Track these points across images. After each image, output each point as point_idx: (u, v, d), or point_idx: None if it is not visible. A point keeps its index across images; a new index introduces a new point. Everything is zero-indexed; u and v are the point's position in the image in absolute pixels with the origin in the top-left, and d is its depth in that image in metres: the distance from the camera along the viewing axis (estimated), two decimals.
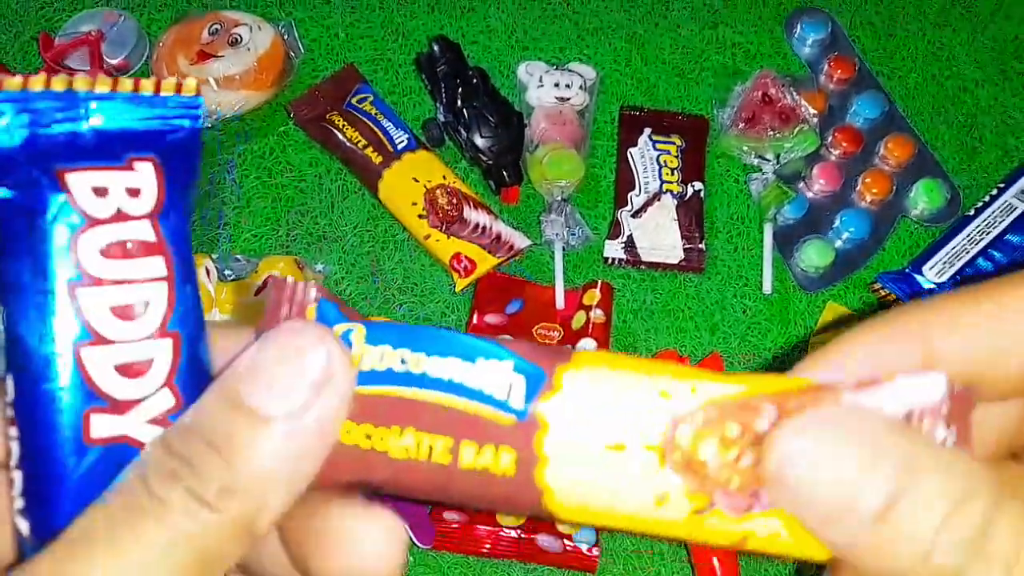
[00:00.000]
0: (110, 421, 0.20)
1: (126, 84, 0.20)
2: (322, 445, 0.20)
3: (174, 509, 0.19)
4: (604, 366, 0.22)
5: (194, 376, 0.21)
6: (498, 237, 0.68)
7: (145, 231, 0.20)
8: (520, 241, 0.68)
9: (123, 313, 0.20)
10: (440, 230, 0.67)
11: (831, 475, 0.19)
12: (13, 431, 0.21)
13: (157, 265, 0.20)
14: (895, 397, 0.21)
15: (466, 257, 0.66)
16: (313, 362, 0.20)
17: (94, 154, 0.19)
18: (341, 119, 0.71)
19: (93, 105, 0.20)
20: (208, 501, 0.19)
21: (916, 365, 0.21)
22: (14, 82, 0.19)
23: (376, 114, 0.71)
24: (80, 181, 0.19)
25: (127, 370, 0.20)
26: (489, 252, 0.67)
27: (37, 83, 0.19)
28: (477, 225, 0.67)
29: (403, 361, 0.22)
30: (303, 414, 0.20)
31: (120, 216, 0.20)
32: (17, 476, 0.21)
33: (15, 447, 0.21)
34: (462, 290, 0.67)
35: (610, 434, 0.21)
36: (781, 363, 0.67)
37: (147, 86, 0.21)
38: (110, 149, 0.19)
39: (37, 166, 0.19)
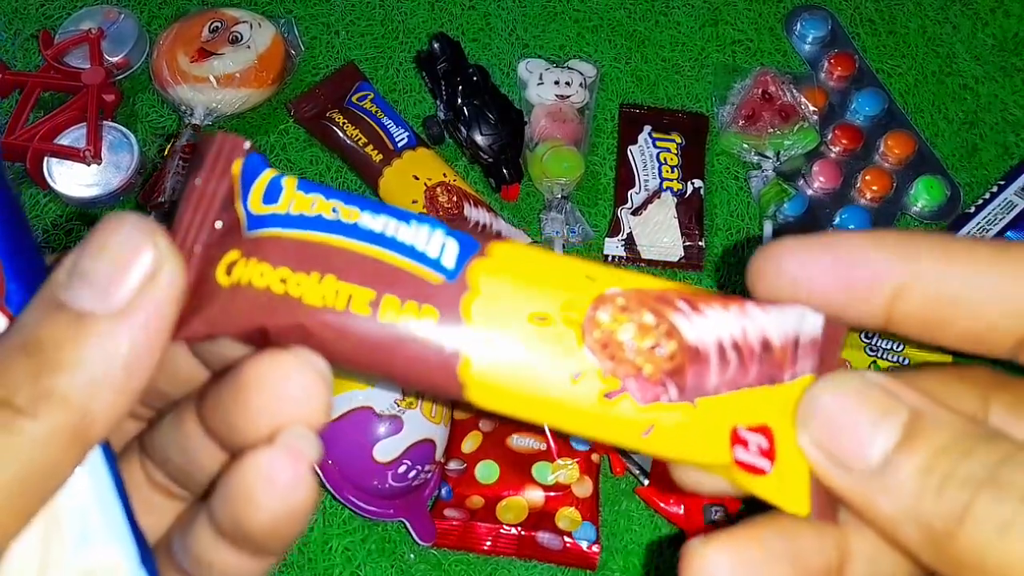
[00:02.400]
0: None
1: None
2: (150, 344, 0.19)
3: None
4: (533, 249, 0.22)
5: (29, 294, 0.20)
6: (498, 235, 0.67)
7: None
8: (520, 238, 0.68)
9: None
10: None
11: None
12: None
13: None
14: (780, 320, 0.22)
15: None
16: (135, 253, 0.19)
17: None
18: (341, 117, 0.71)
19: None
20: (20, 407, 0.17)
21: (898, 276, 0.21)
22: None
23: (376, 112, 0.71)
24: None
25: None
26: None
27: None
28: (477, 223, 0.67)
29: (334, 211, 0.22)
30: (128, 311, 0.19)
31: None
32: None
33: None
34: None
35: (535, 304, 0.21)
36: None
37: None
38: None
39: None
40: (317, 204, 0.22)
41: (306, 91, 0.73)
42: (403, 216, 0.22)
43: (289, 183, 0.22)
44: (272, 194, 0.22)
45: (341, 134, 0.70)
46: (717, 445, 0.22)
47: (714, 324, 0.22)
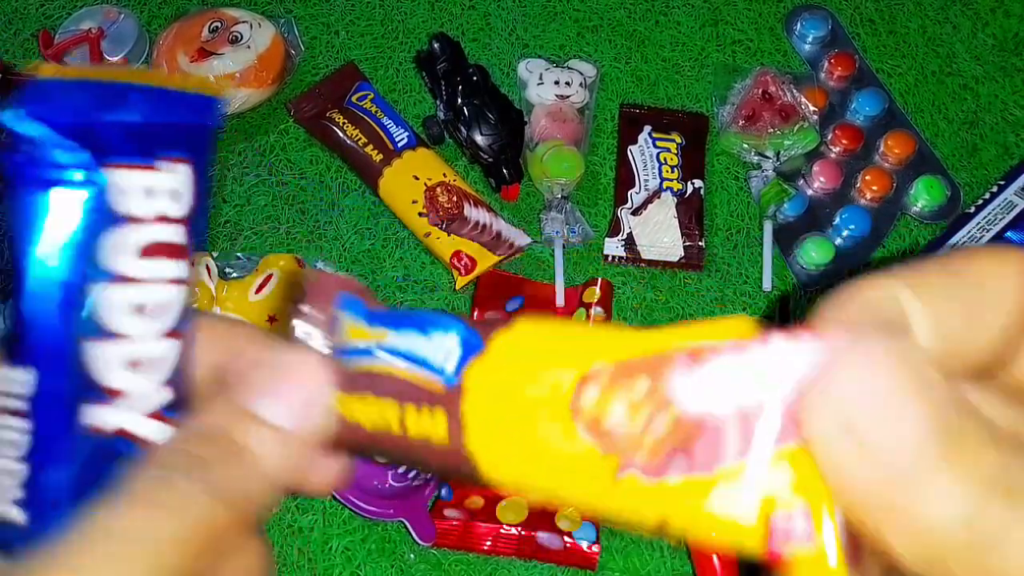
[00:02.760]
0: (112, 414, 0.21)
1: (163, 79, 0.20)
2: (306, 453, 0.23)
3: (191, 500, 0.20)
4: (537, 328, 0.22)
5: (186, 374, 0.22)
6: (498, 235, 0.68)
7: (179, 235, 0.20)
8: (520, 239, 0.68)
9: (141, 311, 0.20)
10: (440, 228, 0.67)
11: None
12: (22, 423, 0.20)
13: (182, 267, 0.20)
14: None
15: (466, 255, 0.66)
16: (317, 389, 0.23)
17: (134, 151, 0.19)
18: (341, 117, 0.71)
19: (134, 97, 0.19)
20: (221, 495, 0.20)
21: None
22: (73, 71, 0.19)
23: (376, 112, 0.71)
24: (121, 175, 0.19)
25: (136, 365, 0.20)
26: (489, 250, 0.67)
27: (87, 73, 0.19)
28: (477, 223, 0.67)
29: (371, 337, 0.24)
30: (298, 427, 0.22)
31: (160, 219, 0.19)
32: (23, 468, 0.21)
33: (24, 440, 0.20)
34: (462, 288, 0.67)
35: (531, 390, 0.21)
36: None
37: (173, 82, 0.20)
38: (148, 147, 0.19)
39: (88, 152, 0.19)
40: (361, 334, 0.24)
41: (306, 91, 0.73)
42: (424, 328, 0.23)
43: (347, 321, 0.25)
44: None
45: (341, 134, 0.70)
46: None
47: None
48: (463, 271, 0.66)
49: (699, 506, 0.19)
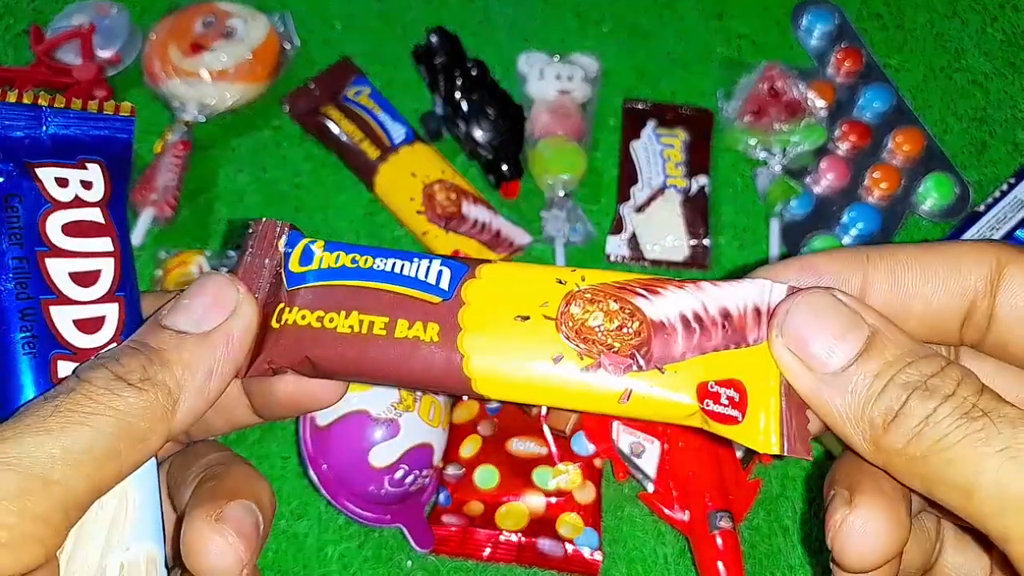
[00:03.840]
0: (72, 367, 0.25)
1: (77, 103, 0.26)
2: (227, 359, 0.26)
3: (98, 386, 0.23)
4: (513, 265, 0.29)
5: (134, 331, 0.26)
6: (498, 233, 0.67)
7: (98, 216, 0.25)
8: (521, 237, 0.67)
9: (81, 279, 0.25)
10: (439, 226, 0.66)
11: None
12: None
13: (106, 243, 0.25)
14: (736, 293, 0.27)
15: (465, 254, 0.65)
16: (223, 296, 0.26)
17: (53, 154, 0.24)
18: (337, 112, 0.70)
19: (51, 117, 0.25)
20: (131, 382, 0.23)
21: (855, 286, 0.26)
22: None
23: (373, 107, 0.70)
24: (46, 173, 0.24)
25: (84, 325, 0.25)
26: (489, 248, 0.66)
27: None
28: (476, 221, 0.66)
29: (354, 261, 0.29)
30: (214, 335, 0.26)
31: (77, 202, 0.25)
32: None
33: None
34: None
35: (517, 308, 0.28)
36: None
37: (92, 106, 0.26)
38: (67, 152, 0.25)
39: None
40: (340, 258, 0.29)
41: (301, 86, 0.72)
42: (407, 255, 0.29)
43: (318, 247, 0.30)
44: (307, 257, 0.29)
45: (337, 130, 0.69)
46: (685, 402, 0.27)
47: (673, 301, 0.27)
48: None
49: (651, 392, 0.27)
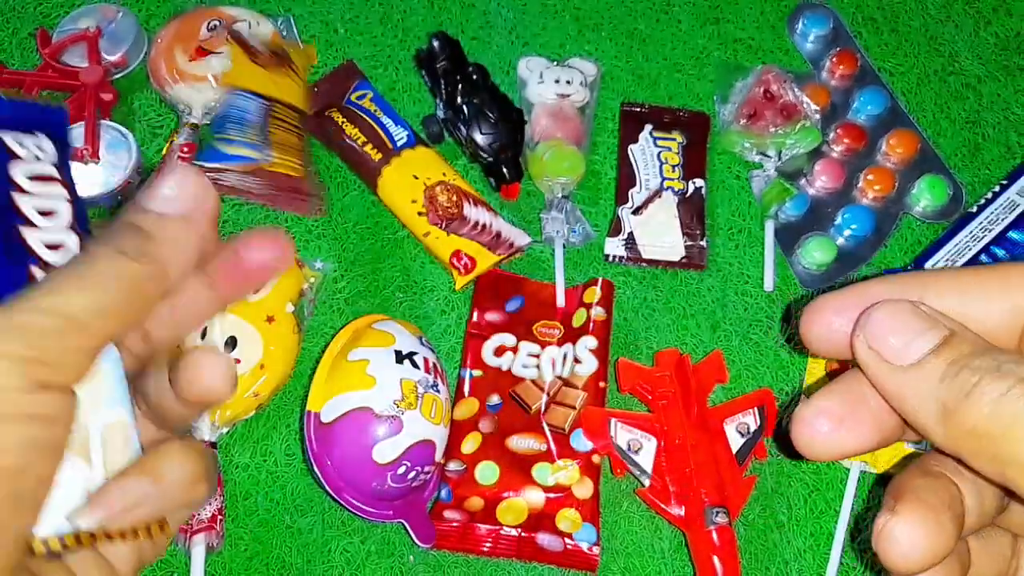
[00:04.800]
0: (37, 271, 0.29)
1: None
2: (201, 234, 0.29)
3: (100, 256, 0.27)
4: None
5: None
6: (498, 234, 0.67)
7: (52, 171, 0.30)
8: (520, 238, 0.68)
9: (45, 215, 0.29)
10: (440, 227, 0.67)
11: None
12: None
13: (61, 190, 0.30)
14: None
15: (466, 255, 0.66)
16: (193, 183, 0.29)
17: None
18: (340, 116, 0.71)
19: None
20: (127, 253, 0.27)
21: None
22: None
23: (375, 111, 0.71)
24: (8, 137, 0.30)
25: (52, 247, 0.29)
26: (489, 249, 0.66)
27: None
28: (477, 222, 0.67)
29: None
30: (188, 215, 0.29)
31: (35, 160, 0.30)
32: None
33: None
34: (462, 288, 0.66)
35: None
36: (783, 361, 0.66)
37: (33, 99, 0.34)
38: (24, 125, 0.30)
39: None
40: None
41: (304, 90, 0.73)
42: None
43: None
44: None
45: (340, 133, 0.70)
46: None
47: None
48: (463, 271, 0.66)
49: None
